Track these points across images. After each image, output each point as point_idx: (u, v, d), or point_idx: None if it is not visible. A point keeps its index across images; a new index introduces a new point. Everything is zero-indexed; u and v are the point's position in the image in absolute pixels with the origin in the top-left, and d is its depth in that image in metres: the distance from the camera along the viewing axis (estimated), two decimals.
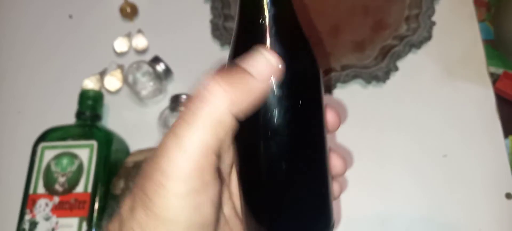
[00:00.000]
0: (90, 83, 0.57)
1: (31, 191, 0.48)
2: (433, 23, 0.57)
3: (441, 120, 0.54)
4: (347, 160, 0.51)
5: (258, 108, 0.26)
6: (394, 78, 0.56)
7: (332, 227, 0.30)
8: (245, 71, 0.25)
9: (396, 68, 0.55)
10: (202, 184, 0.24)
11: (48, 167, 0.49)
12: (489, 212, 0.50)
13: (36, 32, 0.64)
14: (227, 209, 0.31)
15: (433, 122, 0.54)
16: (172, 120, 0.55)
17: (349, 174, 0.51)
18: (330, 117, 0.30)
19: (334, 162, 0.31)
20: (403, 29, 0.58)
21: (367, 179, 0.52)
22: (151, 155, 0.25)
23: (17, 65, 0.62)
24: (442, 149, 0.53)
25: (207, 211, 0.25)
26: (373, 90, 0.56)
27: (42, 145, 0.50)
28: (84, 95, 0.54)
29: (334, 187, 0.32)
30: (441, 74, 0.56)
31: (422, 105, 0.55)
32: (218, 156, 0.26)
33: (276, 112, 0.27)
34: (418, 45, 0.56)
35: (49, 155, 0.50)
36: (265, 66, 0.26)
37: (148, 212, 0.24)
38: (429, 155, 0.53)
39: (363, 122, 0.54)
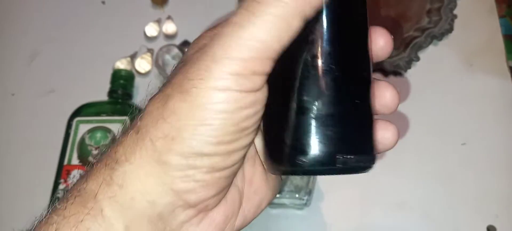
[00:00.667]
0: (121, 65, 0.60)
1: (65, 162, 0.51)
2: (455, 16, 0.59)
3: (460, 109, 0.56)
4: None
5: None
6: (415, 68, 0.57)
7: (374, 161, 0.26)
8: None
9: (418, 59, 0.57)
10: (251, 86, 0.22)
11: (82, 140, 0.52)
12: (506, 200, 0.51)
13: (71, 16, 0.67)
14: (257, 142, 0.28)
15: (453, 111, 0.56)
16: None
17: None
18: (380, 39, 0.27)
19: (382, 91, 0.27)
20: (425, 21, 0.59)
21: (386, 166, 0.53)
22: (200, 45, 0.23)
23: (52, 47, 0.65)
24: (461, 137, 0.54)
25: (249, 116, 0.23)
26: (394, 79, 0.57)
27: (77, 119, 0.53)
28: (117, 75, 0.56)
29: (387, 131, 0.27)
30: (461, 66, 0.58)
31: (442, 94, 0.57)
32: (272, 64, 0.23)
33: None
34: (439, 37, 0.58)
35: (83, 128, 0.52)
36: None
37: (185, 96, 0.22)
38: (448, 142, 0.54)
39: None
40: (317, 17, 0.24)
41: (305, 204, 0.50)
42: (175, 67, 0.25)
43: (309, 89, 0.24)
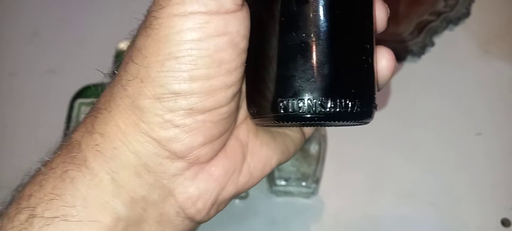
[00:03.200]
0: (125, 46, 0.58)
1: None
2: (472, 0, 0.56)
3: (476, 98, 0.54)
4: (380, 135, 0.52)
5: None
6: (430, 53, 0.55)
7: (374, 109, 0.23)
8: None
9: (432, 44, 0.55)
10: (219, 6, 0.20)
11: None
12: None
13: None
14: None
15: (468, 99, 0.54)
16: None
17: (380, 148, 0.51)
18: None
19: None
20: (440, 5, 0.57)
21: (396, 155, 0.51)
22: None
23: (54, 26, 0.64)
24: (476, 127, 0.52)
25: (225, 46, 0.21)
26: (408, 65, 0.55)
27: (79, 101, 0.51)
28: (119, 56, 0.55)
29: (382, 60, 0.24)
30: (477, 52, 0.56)
31: (457, 82, 0.55)
32: None
33: None
34: (455, 21, 0.56)
35: (85, 110, 0.51)
36: None
37: (148, 30, 0.20)
38: (462, 132, 0.52)
39: (396, 97, 0.54)
40: None
41: (313, 193, 0.49)
42: None
43: (301, 17, 0.21)
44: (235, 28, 0.21)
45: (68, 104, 0.52)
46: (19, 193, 0.22)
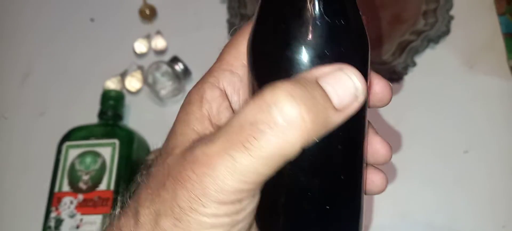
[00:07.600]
0: (112, 84, 0.59)
1: (56, 189, 0.50)
2: (451, 17, 0.57)
3: (461, 116, 0.54)
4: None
5: None
6: (412, 73, 0.55)
7: None
8: (325, 95, 0.21)
9: (414, 64, 0.55)
10: (241, 208, 0.23)
11: (72, 166, 0.50)
12: None
13: (59, 35, 0.66)
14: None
15: (453, 118, 0.54)
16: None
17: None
18: (379, 87, 0.27)
19: (376, 147, 0.28)
20: (420, 24, 0.57)
21: (388, 175, 0.51)
22: (189, 159, 0.22)
23: (40, 68, 0.64)
24: (463, 145, 0.52)
25: (241, 228, 0.24)
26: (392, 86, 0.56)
27: (67, 144, 0.52)
28: (106, 96, 0.55)
29: (376, 178, 0.29)
30: (460, 69, 0.56)
31: (441, 100, 0.55)
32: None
33: None
34: (436, 40, 0.56)
35: (73, 153, 0.51)
36: (350, 95, 0.21)
37: (177, 223, 0.22)
38: (449, 151, 0.52)
39: (380, 119, 0.54)
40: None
41: None
42: (159, 163, 0.25)
43: (297, 211, 0.25)
44: (250, 215, 0.24)
45: (56, 147, 0.52)
46: None
